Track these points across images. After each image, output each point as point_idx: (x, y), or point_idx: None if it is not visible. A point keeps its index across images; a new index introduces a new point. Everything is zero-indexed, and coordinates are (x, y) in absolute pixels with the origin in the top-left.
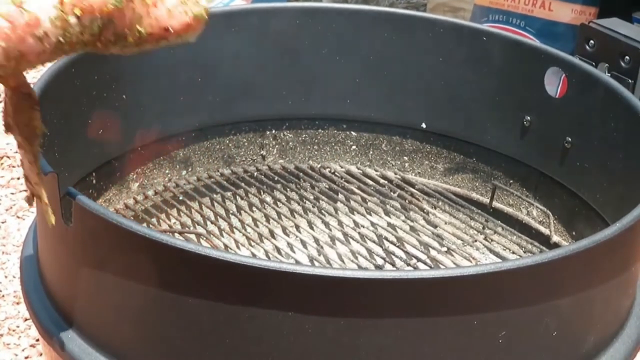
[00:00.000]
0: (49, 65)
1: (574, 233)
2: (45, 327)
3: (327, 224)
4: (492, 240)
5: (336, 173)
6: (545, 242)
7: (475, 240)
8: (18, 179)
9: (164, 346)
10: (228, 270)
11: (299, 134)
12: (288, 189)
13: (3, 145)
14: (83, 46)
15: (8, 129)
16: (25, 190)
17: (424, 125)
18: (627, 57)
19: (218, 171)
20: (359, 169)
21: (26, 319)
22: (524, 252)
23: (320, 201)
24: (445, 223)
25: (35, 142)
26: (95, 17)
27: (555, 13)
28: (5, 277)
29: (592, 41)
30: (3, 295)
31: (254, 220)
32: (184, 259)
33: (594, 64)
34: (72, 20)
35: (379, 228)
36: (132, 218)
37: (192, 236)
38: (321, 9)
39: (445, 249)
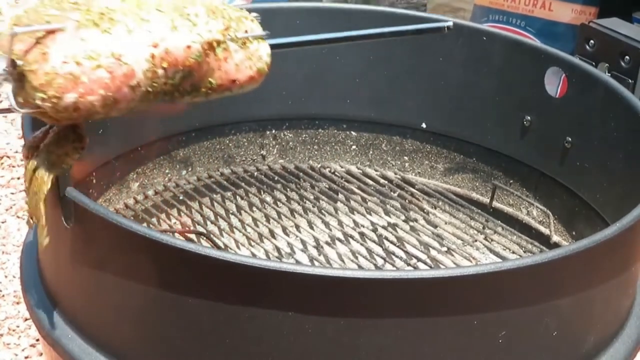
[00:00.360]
0: None
1: (574, 233)
2: (45, 327)
3: (327, 224)
4: (492, 240)
5: (336, 173)
6: (546, 242)
7: (475, 240)
8: (18, 178)
9: (164, 346)
10: (228, 270)
11: (299, 133)
12: (288, 189)
13: (3, 145)
14: (163, 95)
15: (29, 150)
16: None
17: (424, 125)
18: (627, 57)
19: (218, 171)
20: (359, 168)
21: (26, 319)
22: (524, 252)
23: (321, 201)
24: (445, 223)
25: (55, 171)
26: (178, 69)
27: (555, 13)
28: (5, 276)
29: (592, 41)
30: (3, 295)
31: (254, 220)
32: (184, 258)
33: (594, 64)
34: (160, 72)
35: (379, 228)
36: (132, 218)
37: (192, 236)
38: (321, 8)
39: (445, 249)
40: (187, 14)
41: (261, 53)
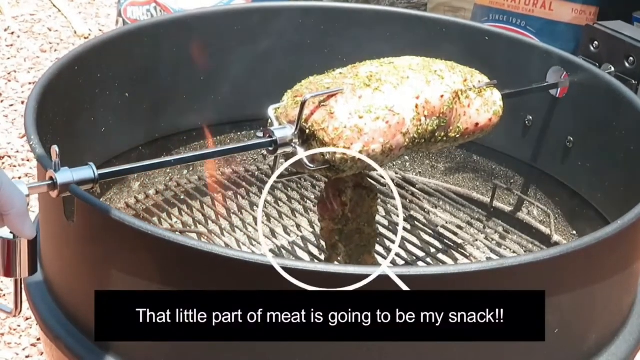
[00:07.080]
0: (51, 63)
1: (574, 232)
2: (48, 326)
3: None
4: (492, 239)
5: None
6: (546, 241)
7: (476, 240)
8: (19, 178)
9: (165, 345)
10: (230, 268)
11: None
12: (289, 188)
13: (4, 145)
14: (421, 142)
15: (332, 219)
16: None
17: None
18: (631, 58)
19: (219, 170)
20: None
21: (27, 318)
22: (525, 251)
23: None
24: (446, 222)
25: (374, 224)
26: (435, 116)
27: (555, 13)
28: None
29: (596, 42)
30: (4, 295)
31: (255, 219)
32: (187, 256)
33: (597, 64)
34: (422, 119)
35: (380, 227)
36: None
37: (194, 235)
38: (322, 8)
39: (445, 248)
40: (434, 70)
41: (495, 99)
